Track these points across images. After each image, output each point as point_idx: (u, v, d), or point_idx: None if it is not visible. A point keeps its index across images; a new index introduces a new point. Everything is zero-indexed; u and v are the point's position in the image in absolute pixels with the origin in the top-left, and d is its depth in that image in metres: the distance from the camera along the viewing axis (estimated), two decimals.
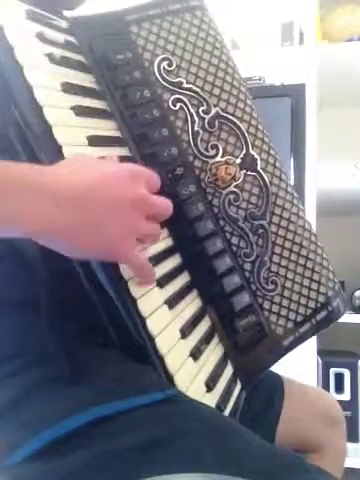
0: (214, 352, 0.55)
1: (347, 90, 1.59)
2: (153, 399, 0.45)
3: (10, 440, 0.46)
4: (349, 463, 0.72)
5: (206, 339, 0.54)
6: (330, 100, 1.56)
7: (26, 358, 0.49)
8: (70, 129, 0.47)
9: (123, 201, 0.41)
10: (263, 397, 0.68)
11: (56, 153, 0.44)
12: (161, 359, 0.46)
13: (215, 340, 0.56)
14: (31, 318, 0.51)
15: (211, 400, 0.50)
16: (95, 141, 0.49)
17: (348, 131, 1.66)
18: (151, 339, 0.46)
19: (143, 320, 0.46)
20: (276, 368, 0.59)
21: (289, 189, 0.61)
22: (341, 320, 0.61)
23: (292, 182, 1.31)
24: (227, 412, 0.52)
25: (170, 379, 0.46)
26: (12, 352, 0.50)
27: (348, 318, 0.56)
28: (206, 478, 0.41)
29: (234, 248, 0.58)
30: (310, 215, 1.29)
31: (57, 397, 0.46)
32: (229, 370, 0.56)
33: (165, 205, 0.47)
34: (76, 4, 0.59)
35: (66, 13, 0.57)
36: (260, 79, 1.40)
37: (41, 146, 0.44)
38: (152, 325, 0.46)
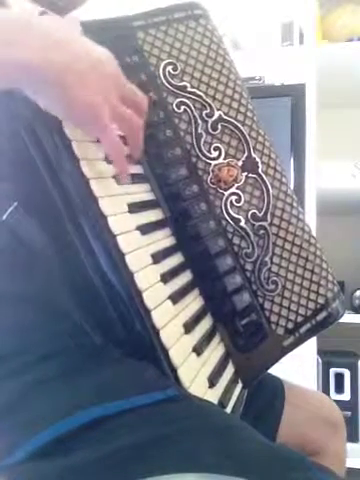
0: (216, 351, 0.55)
1: (347, 90, 1.58)
2: (153, 399, 0.45)
3: (9, 440, 0.46)
4: (349, 463, 0.72)
5: (208, 337, 0.55)
6: (330, 100, 1.55)
7: (26, 357, 0.49)
8: None
9: (104, 64, 0.45)
10: (264, 401, 0.67)
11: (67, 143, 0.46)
12: (165, 352, 0.46)
13: (216, 339, 0.56)
14: (31, 316, 0.51)
15: (213, 396, 0.50)
16: None
17: (348, 131, 1.67)
18: (156, 331, 0.46)
19: (148, 312, 0.46)
20: (276, 368, 0.59)
21: (289, 192, 0.63)
22: (341, 320, 0.61)
23: (292, 182, 1.29)
24: (229, 410, 0.52)
25: (174, 372, 0.47)
26: (12, 351, 0.50)
27: (348, 318, 0.56)
28: (206, 478, 0.41)
29: (235, 248, 0.59)
30: (310, 215, 1.29)
31: (56, 397, 0.46)
32: (230, 369, 0.56)
33: (139, 94, 0.49)
34: (71, 8, 0.60)
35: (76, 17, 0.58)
36: (260, 79, 1.40)
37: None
38: (157, 318, 0.46)
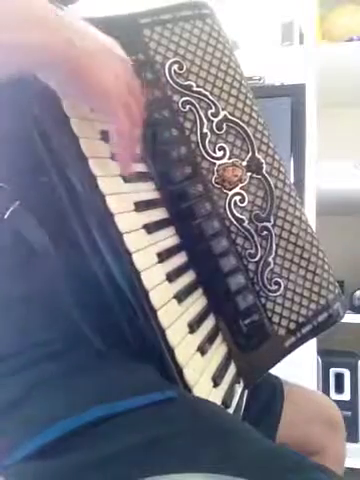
0: (218, 351, 0.56)
1: (347, 90, 1.58)
2: (153, 400, 0.45)
3: (10, 439, 0.46)
4: (349, 463, 0.72)
5: (211, 337, 0.55)
6: (330, 100, 1.54)
7: (26, 357, 0.49)
8: (85, 122, 0.48)
9: (112, 49, 0.50)
10: (263, 401, 0.68)
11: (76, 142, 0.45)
12: (171, 351, 0.46)
13: (219, 339, 0.57)
14: (32, 316, 0.50)
15: (217, 396, 0.50)
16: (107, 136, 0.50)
17: (348, 131, 1.66)
18: (162, 331, 0.46)
19: (154, 312, 0.46)
20: (276, 367, 0.60)
21: (292, 193, 0.63)
22: (341, 320, 0.62)
23: (292, 182, 1.30)
24: (231, 410, 0.52)
25: (179, 372, 0.46)
26: (13, 351, 0.49)
27: (348, 318, 0.56)
28: (206, 478, 0.41)
29: (239, 248, 0.59)
30: (310, 215, 1.27)
31: (56, 397, 0.46)
32: (233, 369, 0.57)
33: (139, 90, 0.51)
34: None
35: (82, 14, 0.58)
36: (260, 79, 1.40)
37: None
38: (163, 317, 0.46)
